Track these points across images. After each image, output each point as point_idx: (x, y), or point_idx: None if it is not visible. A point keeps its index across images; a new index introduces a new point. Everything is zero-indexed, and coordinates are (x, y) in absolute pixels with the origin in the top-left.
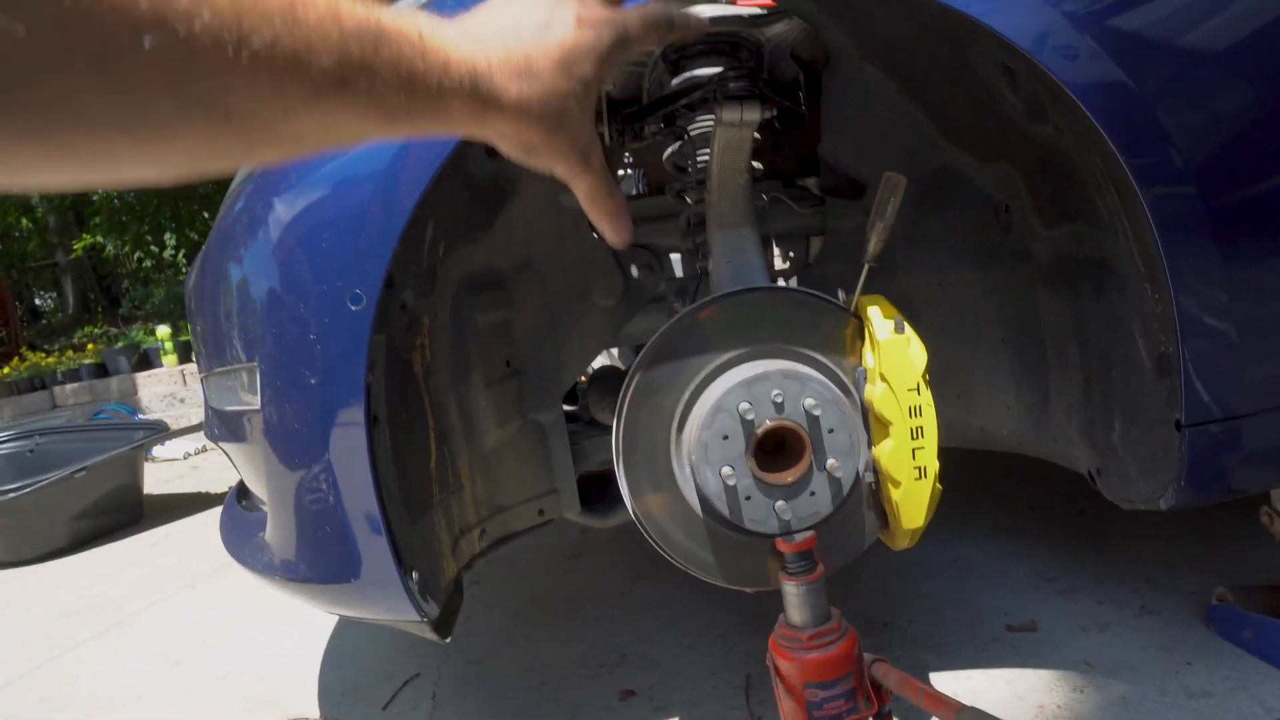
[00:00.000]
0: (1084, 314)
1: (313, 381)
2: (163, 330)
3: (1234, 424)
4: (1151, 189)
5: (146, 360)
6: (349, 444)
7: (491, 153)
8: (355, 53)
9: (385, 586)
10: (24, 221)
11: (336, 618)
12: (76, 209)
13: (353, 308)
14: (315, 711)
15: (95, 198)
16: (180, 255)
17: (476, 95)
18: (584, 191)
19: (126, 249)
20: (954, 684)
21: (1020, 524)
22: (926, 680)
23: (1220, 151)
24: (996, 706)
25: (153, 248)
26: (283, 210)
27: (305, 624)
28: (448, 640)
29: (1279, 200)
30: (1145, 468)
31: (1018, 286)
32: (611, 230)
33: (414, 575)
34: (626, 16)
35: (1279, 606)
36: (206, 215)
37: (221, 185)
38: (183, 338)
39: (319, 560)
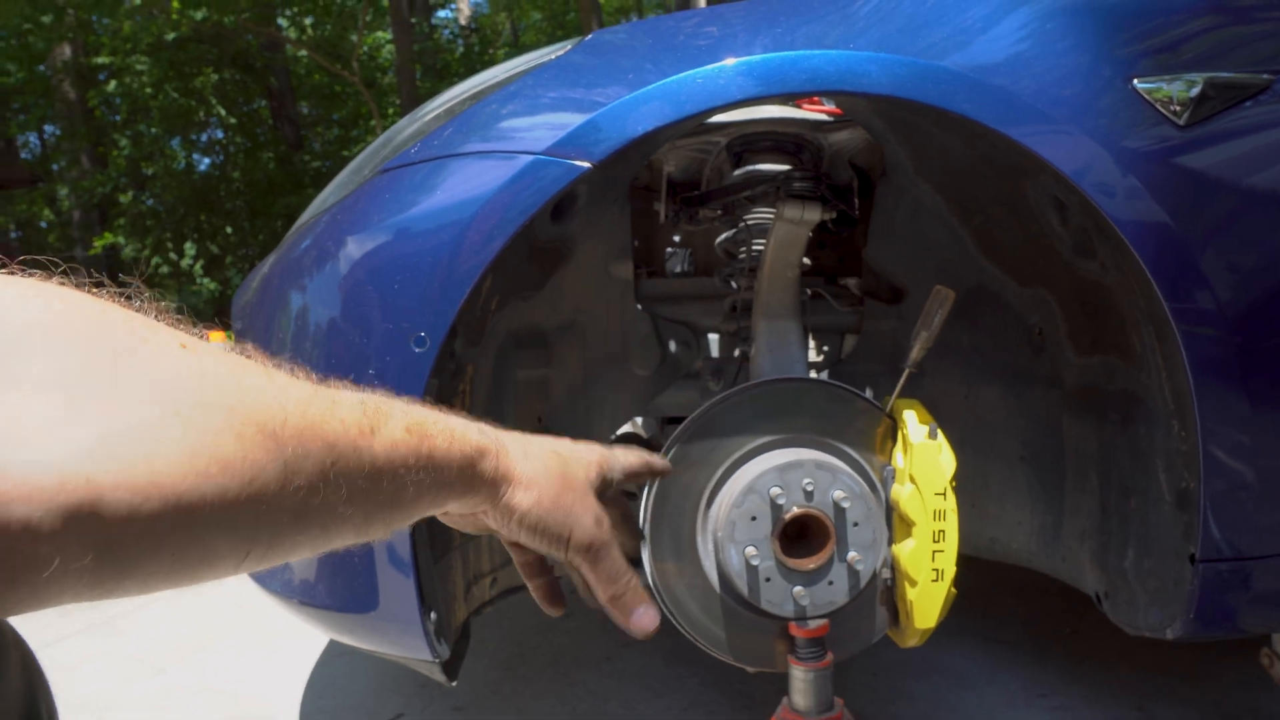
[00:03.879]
0: (1108, 443)
1: None
2: None
3: (1246, 564)
4: (1189, 332)
5: None
6: None
7: (556, 216)
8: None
9: (403, 623)
10: (46, 212)
11: (322, 646)
12: (102, 207)
13: (416, 350)
14: None
15: (123, 199)
16: (197, 266)
17: (485, 435)
18: (602, 567)
19: (146, 253)
20: None
21: (1014, 637)
22: None
23: (1257, 302)
24: None
25: (172, 255)
26: (354, 248)
27: (286, 646)
28: (454, 684)
29: None
30: (1155, 597)
31: (1043, 409)
32: (635, 627)
33: (432, 615)
34: (619, 459)
35: None
36: (229, 230)
37: (249, 205)
38: None
39: (340, 588)
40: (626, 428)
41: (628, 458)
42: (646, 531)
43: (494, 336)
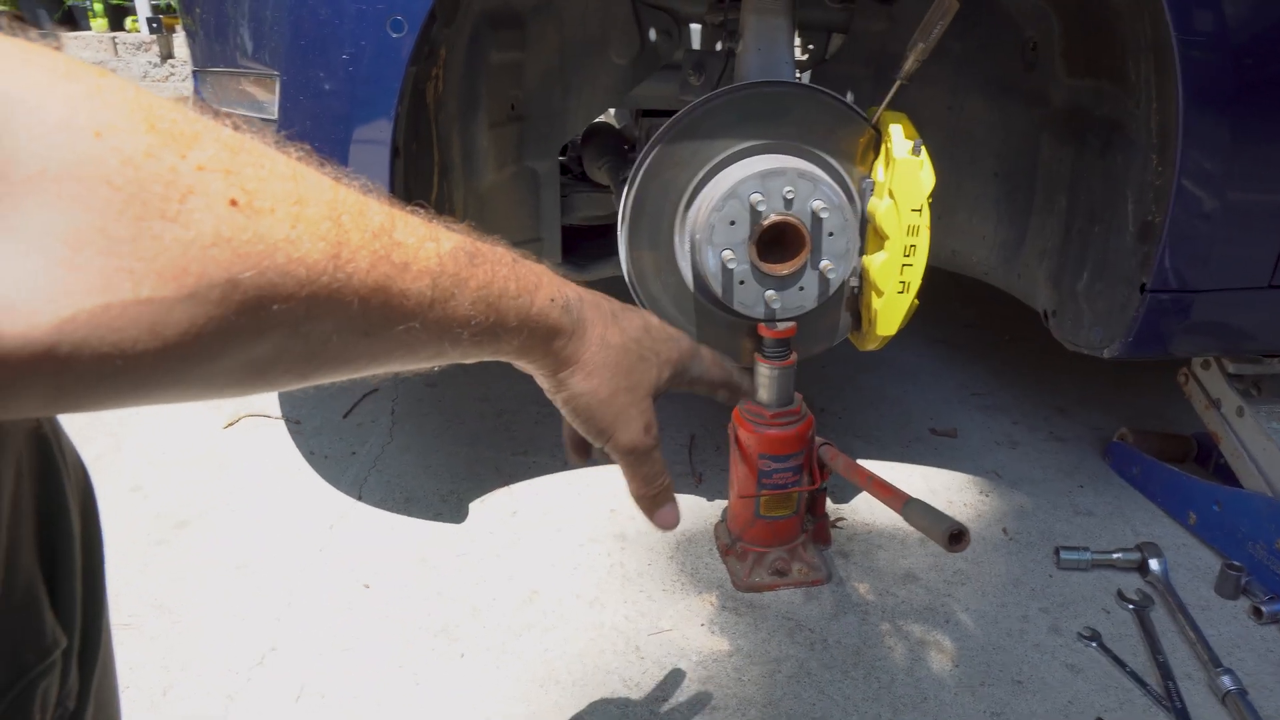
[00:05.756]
0: (1083, 169)
1: (343, 106)
2: None
3: (1188, 296)
4: (1191, 65)
5: (71, 18)
6: (373, 174)
7: None
8: (450, 268)
9: None
10: None
11: None
12: None
13: (393, 34)
14: (276, 410)
15: None
16: None
17: (568, 315)
18: (641, 469)
19: None
20: (877, 472)
21: (959, 340)
22: None
23: (1258, 38)
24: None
25: None
26: None
27: None
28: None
29: None
30: (1100, 319)
31: (1024, 127)
32: (661, 519)
33: None
34: (702, 361)
35: (1167, 452)
36: None
37: None
38: (115, 0)
39: None
40: (601, 119)
41: (712, 369)
42: (625, 231)
43: (468, 17)
